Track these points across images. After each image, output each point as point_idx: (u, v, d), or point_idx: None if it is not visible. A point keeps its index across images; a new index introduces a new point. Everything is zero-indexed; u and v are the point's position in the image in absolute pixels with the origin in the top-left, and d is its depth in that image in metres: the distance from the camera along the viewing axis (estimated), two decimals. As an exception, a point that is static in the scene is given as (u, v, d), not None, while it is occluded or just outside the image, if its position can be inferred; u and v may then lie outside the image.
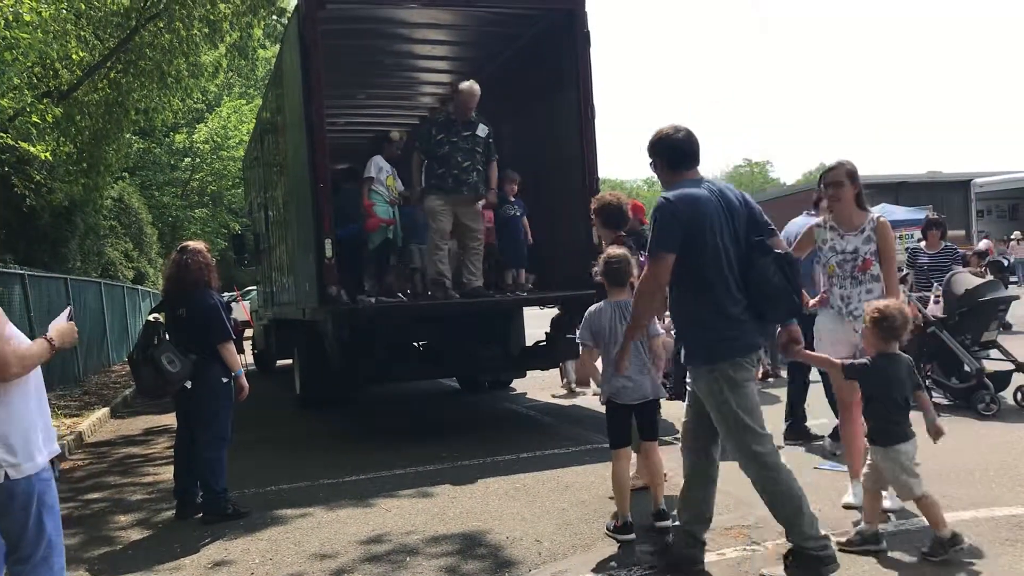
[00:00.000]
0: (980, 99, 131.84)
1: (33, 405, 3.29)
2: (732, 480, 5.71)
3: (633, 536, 4.73)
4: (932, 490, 4.23)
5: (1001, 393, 7.71)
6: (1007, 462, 5.88)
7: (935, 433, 4.25)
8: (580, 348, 5.01)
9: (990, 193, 30.04)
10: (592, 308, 4.97)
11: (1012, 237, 27.19)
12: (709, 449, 4.22)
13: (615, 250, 5.03)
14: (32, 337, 3.38)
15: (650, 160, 4.30)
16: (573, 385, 10.38)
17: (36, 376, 3.34)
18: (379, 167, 9.02)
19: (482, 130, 8.28)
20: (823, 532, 3.93)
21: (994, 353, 7.98)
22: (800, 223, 7.21)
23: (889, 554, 4.25)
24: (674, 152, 4.18)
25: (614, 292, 4.94)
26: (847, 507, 5.02)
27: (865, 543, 4.32)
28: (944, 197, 32.29)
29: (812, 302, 5.22)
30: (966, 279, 8.12)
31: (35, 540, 3.21)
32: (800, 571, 3.89)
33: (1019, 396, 7.74)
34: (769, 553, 4.38)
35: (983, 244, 26.44)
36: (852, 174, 5.10)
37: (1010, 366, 7.87)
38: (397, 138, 9.62)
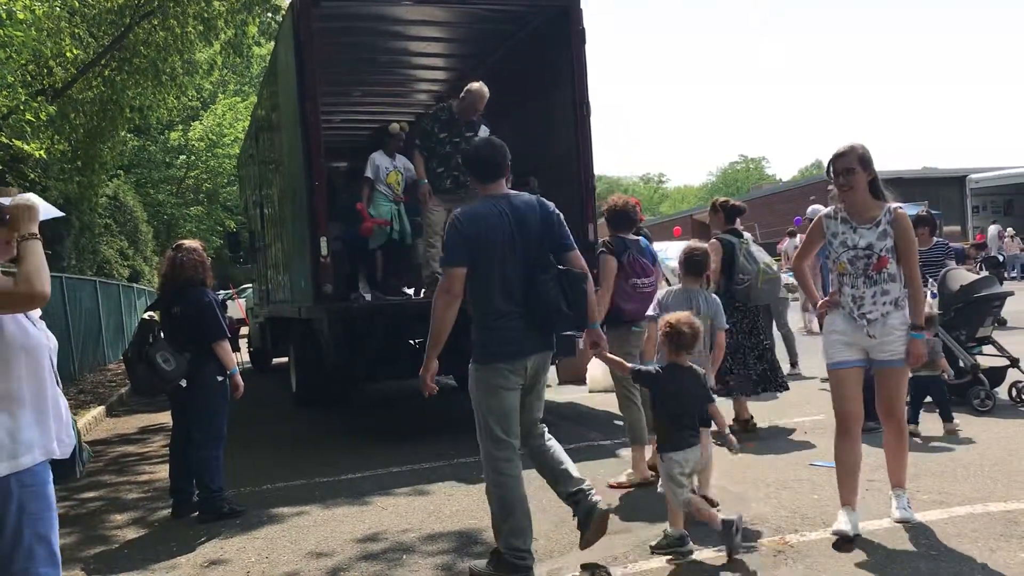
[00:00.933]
0: (976, 94, 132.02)
1: (17, 389, 2.80)
2: (729, 477, 5.74)
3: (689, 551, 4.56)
4: (928, 486, 4.24)
5: (996, 389, 7.73)
6: (1002, 458, 5.90)
7: (730, 446, 4.64)
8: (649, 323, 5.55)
9: (985, 189, 30.11)
10: (664, 291, 5.71)
11: (1006, 233, 27.24)
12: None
13: (698, 244, 5.85)
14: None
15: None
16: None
17: (29, 358, 2.84)
18: (377, 166, 9.00)
19: (483, 131, 8.26)
20: (528, 547, 4.26)
21: (989, 349, 8.00)
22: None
23: (889, 549, 4.26)
24: (480, 166, 4.47)
25: (688, 280, 5.65)
26: (837, 534, 4.40)
27: (670, 546, 4.40)
28: (940, 193, 32.36)
29: (820, 304, 4.82)
30: (961, 275, 8.13)
31: (12, 548, 2.77)
32: (496, 570, 4.28)
33: (1014, 392, 7.76)
34: (766, 549, 4.38)
35: (993, 229, 26.53)
36: (865, 159, 4.52)
37: (1005, 362, 7.88)
38: (397, 130, 9.57)
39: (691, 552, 4.37)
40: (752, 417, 7.38)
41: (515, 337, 4.26)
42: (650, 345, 5.74)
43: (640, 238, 6.52)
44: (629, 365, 4.73)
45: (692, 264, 5.64)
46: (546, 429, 4.57)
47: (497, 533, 4.35)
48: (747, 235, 7.67)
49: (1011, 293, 8.13)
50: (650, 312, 5.68)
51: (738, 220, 7.70)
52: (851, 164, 4.51)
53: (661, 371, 4.59)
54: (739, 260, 7.29)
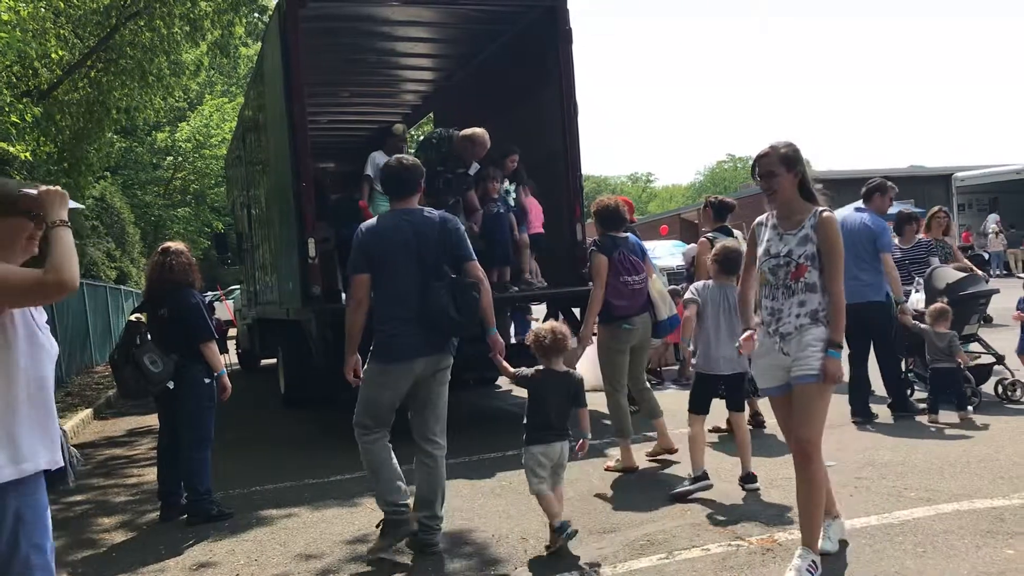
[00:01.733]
0: (962, 93, 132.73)
1: (21, 395, 2.71)
2: (715, 476, 5.76)
3: (710, 483, 5.52)
4: (915, 483, 4.26)
5: (982, 386, 7.77)
6: (988, 454, 5.93)
7: (579, 448, 4.89)
8: (686, 308, 5.83)
9: (971, 187, 30.22)
10: (700, 283, 5.91)
11: (990, 230, 27.36)
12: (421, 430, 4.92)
13: (733, 243, 6.15)
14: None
15: None
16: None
17: (35, 364, 2.75)
18: (377, 164, 8.99)
19: (474, 168, 8.30)
20: (403, 501, 4.73)
21: (975, 346, 8.05)
22: (844, 216, 7.35)
23: (877, 546, 4.28)
24: (393, 183, 4.94)
25: (721, 278, 5.78)
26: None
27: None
28: (926, 191, 32.48)
29: (743, 338, 4.41)
30: (947, 273, 8.17)
31: (8, 557, 2.70)
32: (386, 530, 4.74)
33: (999, 389, 7.81)
34: (754, 547, 4.40)
35: (992, 219, 26.67)
36: (788, 159, 4.08)
37: (991, 359, 7.93)
38: (401, 131, 9.55)
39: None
40: (759, 412, 7.45)
41: (399, 342, 4.70)
42: (688, 326, 5.89)
43: (628, 235, 6.57)
44: (512, 371, 4.98)
45: (728, 263, 5.77)
46: (440, 448, 4.88)
47: (378, 499, 4.83)
48: (737, 233, 7.70)
49: (996, 291, 8.17)
50: (688, 296, 5.90)
51: (729, 217, 7.75)
52: (772, 166, 4.11)
53: (536, 375, 4.90)
54: None
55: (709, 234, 7.61)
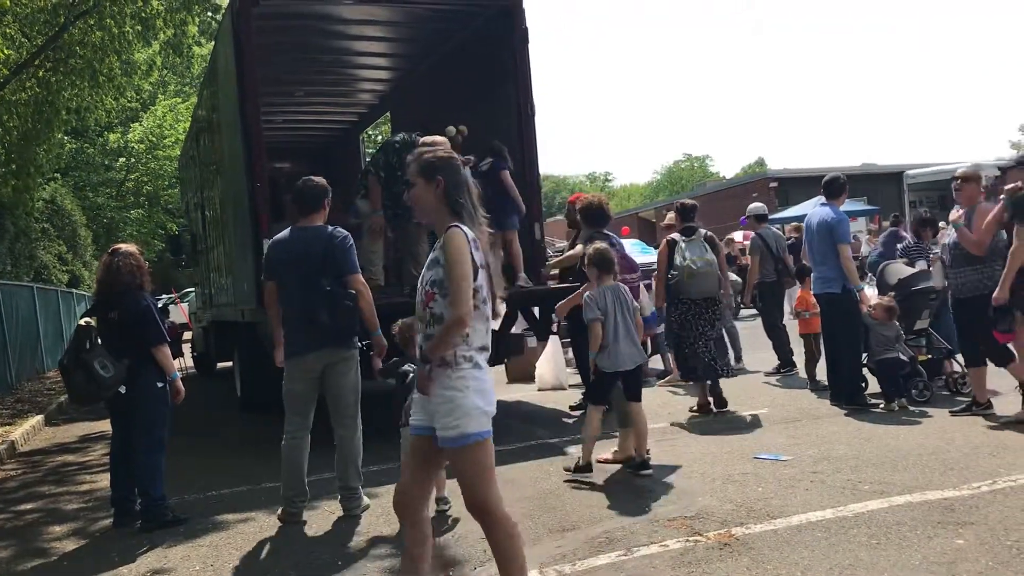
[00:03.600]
0: (913, 92, 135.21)
1: None
2: (674, 472, 5.79)
3: (592, 477, 5.84)
4: (869, 476, 4.32)
5: (934, 379, 7.91)
6: (939, 447, 6.04)
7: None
8: (592, 326, 5.95)
9: (921, 184, 30.78)
10: (592, 292, 6.01)
11: (939, 227, 27.89)
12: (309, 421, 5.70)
13: (601, 244, 6.17)
14: None
15: None
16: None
17: None
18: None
19: None
20: (293, 492, 5.54)
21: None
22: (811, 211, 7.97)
23: (831, 539, 4.33)
24: (301, 200, 5.60)
25: (605, 279, 5.98)
26: None
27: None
28: (878, 188, 33.04)
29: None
30: (899, 269, 8.31)
31: None
32: (282, 517, 5.55)
33: (949, 382, 7.95)
34: (711, 542, 4.43)
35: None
36: (428, 167, 3.41)
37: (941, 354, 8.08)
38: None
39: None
40: (711, 403, 7.84)
41: (291, 339, 5.51)
42: (595, 342, 5.93)
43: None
44: (379, 367, 5.61)
45: (604, 263, 6.01)
46: (348, 429, 5.63)
47: (282, 491, 5.62)
48: (702, 231, 7.82)
49: (947, 286, 8.31)
50: (592, 315, 5.92)
51: (695, 217, 7.95)
52: (411, 177, 3.47)
53: (402, 363, 5.51)
54: (675, 258, 7.56)
55: (670, 237, 7.86)
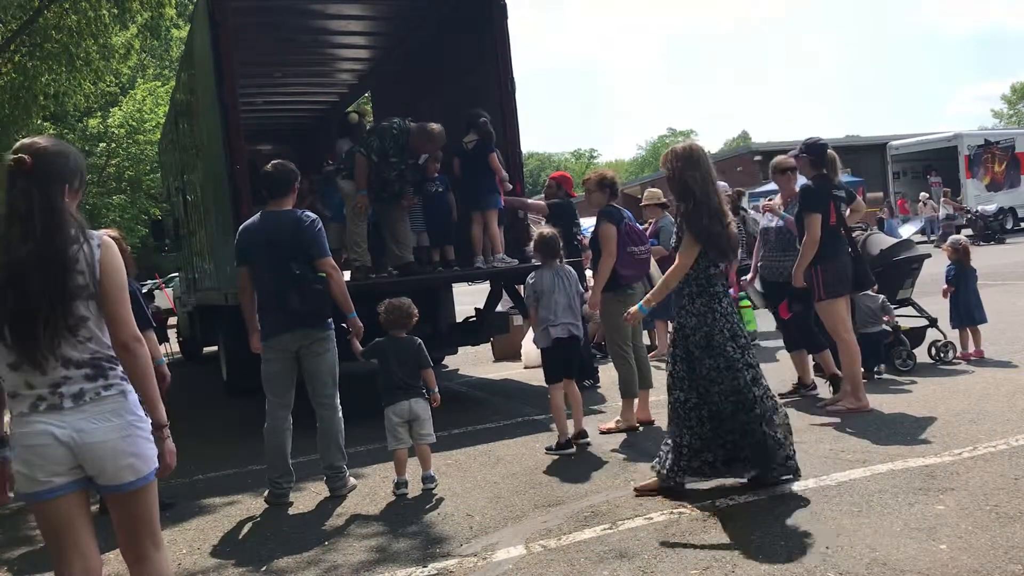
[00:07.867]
0: (896, 64, 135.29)
1: None
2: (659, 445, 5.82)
3: (573, 450, 5.98)
4: (852, 445, 4.34)
5: (916, 349, 7.96)
6: (921, 415, 6.08)
7: (434, 402, 5.63)
8: (529, 307, 6.27)
9: (904, 155, 30.92)
10: (531, 277, 6.19)
11: (920, 198, 28.04)
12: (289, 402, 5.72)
13: (547, 229, 6.39)
14: None
15: None
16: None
17: None
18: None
19: (423, 158, 8.32)
20: (277, 475, 5.58)
21: (909, 310, 8.22)
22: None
23: (814, 508, 4.37)
24: (271, 184, 5.62)
25: (549, 262, 6.18)
26: None
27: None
28: (862, 160, 33.14)
29: None
30: (881, 239, 8.34)
31: None
32: (269, 499, 5.60)
33: (932, 351, 8.00)
34: (695, 514, 4.46)
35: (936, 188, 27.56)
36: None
37: (924, 322, 8.12)
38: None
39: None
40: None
41: (265, 322, 5.56)
42: (533, 324, 6.29)
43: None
44: (358, 349, 5.65)
45: (547, 248, 6.20)
46: (327, 408, 5.64)
47: (267, 473, 5.66)
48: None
49: (928, 255, 8.36)
50: (529, 297, 6.20)
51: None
52: None
53: (380, 344, 5.61)
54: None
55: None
